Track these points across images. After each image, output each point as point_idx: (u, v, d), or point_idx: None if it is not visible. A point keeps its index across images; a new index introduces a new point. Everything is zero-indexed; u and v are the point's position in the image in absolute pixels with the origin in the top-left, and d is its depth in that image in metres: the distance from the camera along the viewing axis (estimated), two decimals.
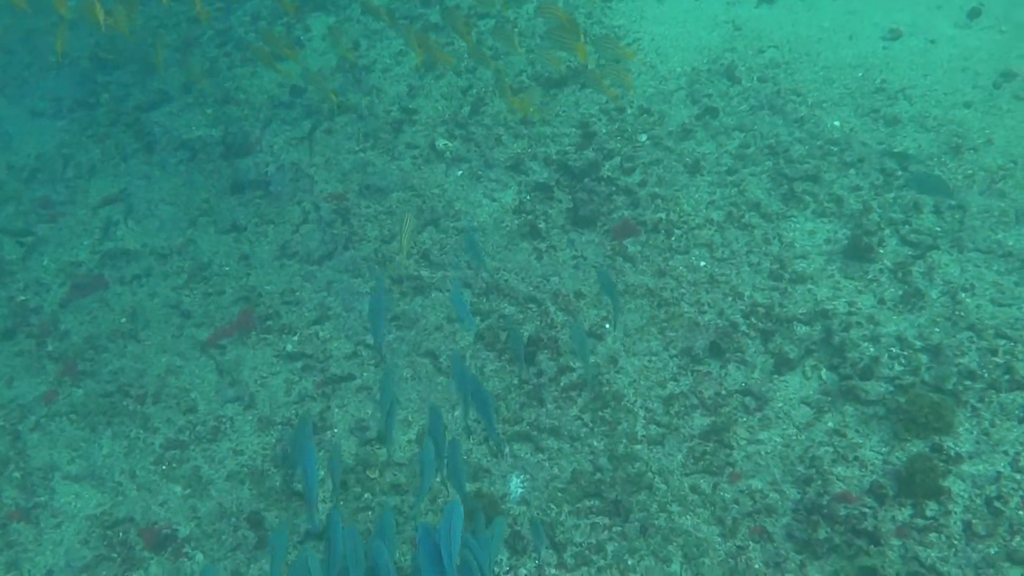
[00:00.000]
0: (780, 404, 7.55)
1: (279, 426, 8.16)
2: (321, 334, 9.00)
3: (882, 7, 11.25)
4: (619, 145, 10.17)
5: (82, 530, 7.65)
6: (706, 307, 8.36)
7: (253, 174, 11.14)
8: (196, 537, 7.39)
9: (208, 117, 12.28)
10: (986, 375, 7.32)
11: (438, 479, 6.54)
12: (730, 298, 8.39)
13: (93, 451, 8.24)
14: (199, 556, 7.27)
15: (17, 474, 8.18)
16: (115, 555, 7.43)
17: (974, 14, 10.80)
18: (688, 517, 6.91)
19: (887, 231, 8.64)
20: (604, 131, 10.40)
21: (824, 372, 7.69)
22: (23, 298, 10.06)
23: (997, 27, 10.76)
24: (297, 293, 9.49)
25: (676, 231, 9.12)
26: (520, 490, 7.36)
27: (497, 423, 6.70)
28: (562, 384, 7.98)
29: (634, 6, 12.20)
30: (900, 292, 8.10)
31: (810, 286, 8.33)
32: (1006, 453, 6.85)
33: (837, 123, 9.82)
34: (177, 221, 10.80)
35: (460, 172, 10.52)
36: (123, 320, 9.56)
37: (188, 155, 11.73)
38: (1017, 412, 7.07)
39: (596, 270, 8.90)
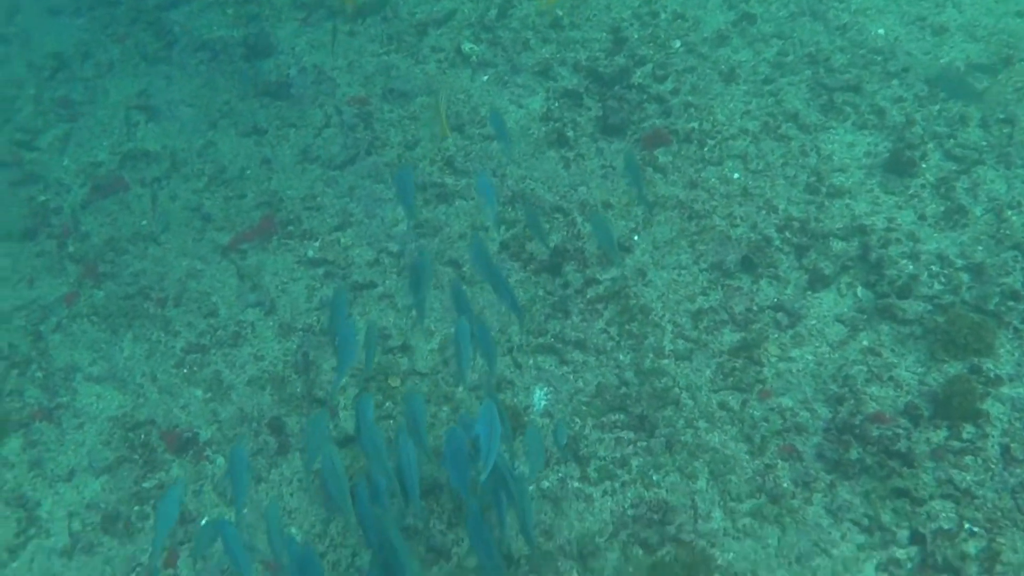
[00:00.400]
0: (813, 321, 7.34)
1: (300, 332, 8.04)
2: (343, 240, 8.83)
3: None
4: (651, 52, 9.81)
5: (104, 431, 7.61)
6: (739, 220, 8.11)
7: (275, 76, 10.87)
8: (217, 441, 7.34)
9: (229, 17, 11.96)
10: None
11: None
12: (764, 211, 8.13)
13: (114, 353, 8.17)
14: (220, 460, 7.22)
15: (40, 374, 8.13)
16: (136, 457, 7.40)
17: None
18: (716, 434, 6.77)
19: (930, 145, 8.31)
20: (636, 36, 10.04)
21: (860, 290, 7.46)
22: (44, 198, 9.92)
23: None
24: (318, 199, 9.30)
25: (709, 141, 8.82)
26: (544, 402, 7.24)
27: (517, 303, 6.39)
28: (588, 296, 7.80)
29: None
30: (942, 208, 7.81)
31: (848, 201, 8.05)
32: None
33: (881, 31, 9.41)
34: (198, 123, 10.57)
35: (486, 77, 10.21)
36: (144, 222, 9.41)
37: (209, 56, 11.45)
38: None
39: (623, 153, 8.71)
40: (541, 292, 7.90)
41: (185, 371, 7.88)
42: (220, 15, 12.06)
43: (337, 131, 9.98)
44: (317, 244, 8.84)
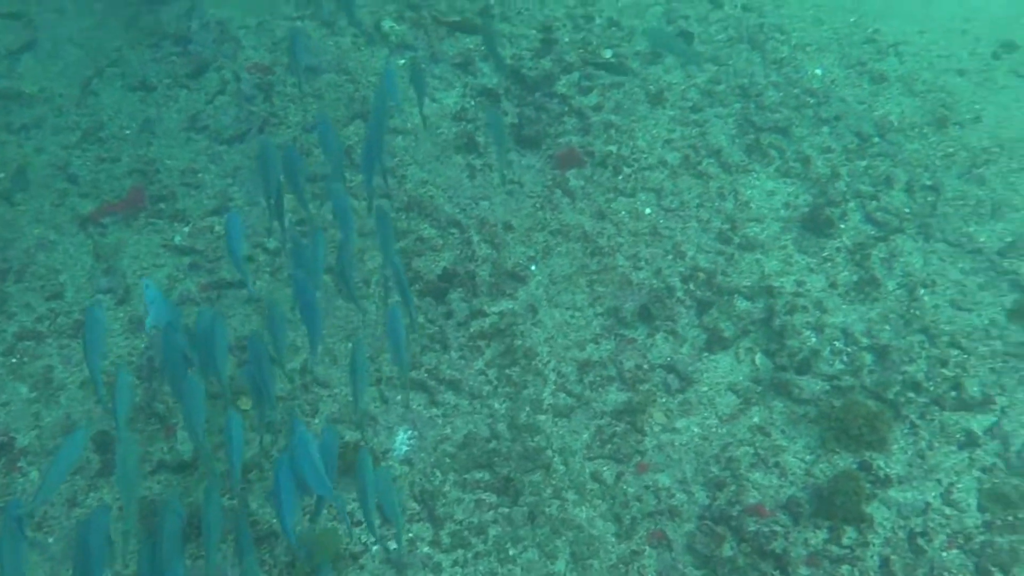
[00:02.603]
0: (705, 388, 6.84)
1: (153, 330, 7.27)
2: (217, 228, 8.04)
3: None
4: (580, 60, 9.14)
5: None
6: (643, 263, 7.54)
7: (173, 27, 9.93)
8: (35, 451, 6.55)
9: None
10: (932, 388, 6.64)
11: None
12: (671, 256, 7.58)
13: None
14: (34, 474, 6.45)
15: None
16: None
17: None
18: (584, 508, 6.23)
19: (852, 204, 7.84)
20: (567, 40, 9.35)
21: (759, 357, 6.97)
22: None
23: None
24: (199, 175, 8.48)
25: (625, 169, 8.22)
26: (405, 447, 6.61)
27: None
28: (472, 330, 7.17)
29: None
30: (855, 277, 7.35)
31: (759, 255, 7.54)
32: (939, 482, 6.23)
33: (819, 71, 8.89)
34: (83, 68, 9.61)
35: (403, 61, 9.44)
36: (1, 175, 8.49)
37: None
38: (958, 435, 6.43)
39: (485, 111, 8.39)
40: (421, 319, 7.24)
41: (13, 361, 7.05)
42: None
43: (232, 100, 9.13)
44: (187, 229, 8.04)
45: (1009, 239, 7.47)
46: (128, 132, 8.88)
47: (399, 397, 6.81)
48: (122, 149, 8.67)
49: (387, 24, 9.67)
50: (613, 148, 8.35)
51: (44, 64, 9.65)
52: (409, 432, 6.66)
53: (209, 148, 8.72)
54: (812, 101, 8.60)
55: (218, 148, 8.72)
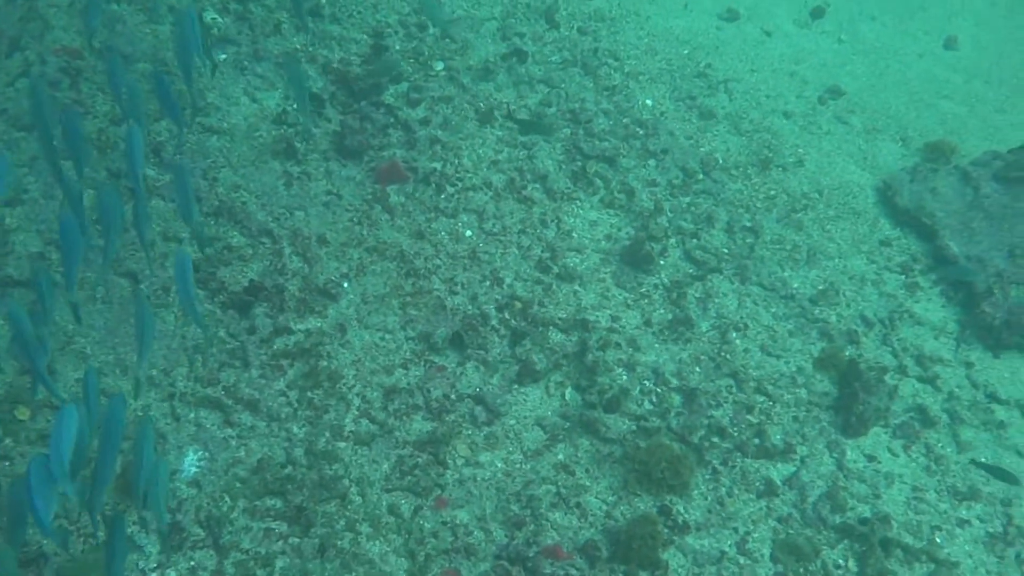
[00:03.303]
0: (513, 422, 6.67)
1: None
2: (8, 221, 7.39)
3: None
4: (410, 69, 8.86)
5: None
6: (459, 288, 7.33)
7: None
8: None
9: None
10: (736, 434, 6.66)
11: None
12: (488, 283, 7.39)
13: None
14: None
15: None
16: None
17: (817, 14, 10.06)
18: (377, 543, 5.95)
19: (673, 240, 7.83)
20: (398, 48, 9.05)
21: (569, 392, 6.86)
22: None
23: (837, 34, 10.06)
24: None
25: (449, 188, 7.99)
26: (194, 469, 6.19)
27: None
28: (275, 348, 6.80)
29: None
30: (670, 316, 7.33)
31: (577, 287, 7.44)
32: (736, 530, 6.23)
33: (650, 102, 8.88)
34: None
35: (224, 56, 8.94)
36: None
37: None
38: (758, 484, 6.46)
39: (283, 63, 8.12)
40: (223, 332, 6.82)
41: None
42: None
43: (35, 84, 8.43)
44: None
45: (821, 287, 7.59)
46: None
47: (192, 414, 6.38)
48: None
49: (209, 16, 9.16)
50: (438, 165, 8.11)
51: None
52: (200, 453, 6.24)
53: (6, 134, 8.03)
54: (641, 132, 8.57)
55: (16, 135, 8.05)
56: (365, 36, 9.14)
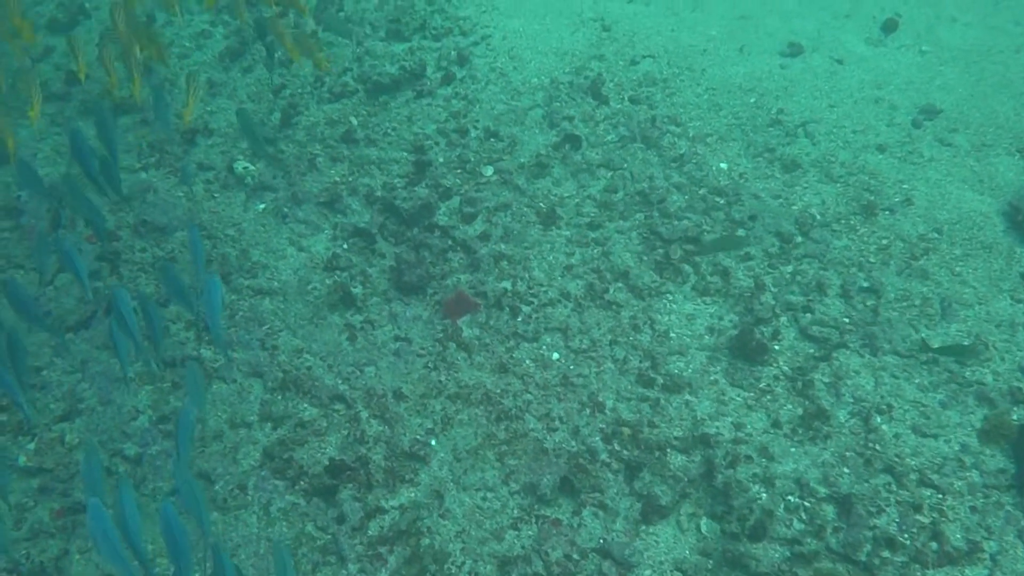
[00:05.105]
0: (648, 572, 5.78)
1: None
2: (68, 438, 6.84)
3: (779, 11, 9.40)
4: (459, 181, 8.15)
5: None
6: (557, 423, 6.50)
7: (1, 198, 8.75)
8: None
9: None
10: (908, 542, 5.67)
11: None
12: (588, 411, 6.55)
13: None
14: None
15: None
16: None
17: (889, 27, 9.04)
18: None
19: (784, 319, 6.90)
20: (441, 159, 8.36)
21: (705, 524, 5.96)
22: None
23: (917, 46, 9.03)
24: (44, 372, 7.28)
25: (524, 308, 7.21)
26: None
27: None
28: (370, 534, 6.05)
29: None
30: (799, 411, 6.38)
31: (688, 396, 6.55)
32: None
33: (724, 165, 7.99)
34: None
35: (263, 205, 8.36)
36: None
37: None
38: None
39: (237, 112, 7.56)
40: (310, 528, 6.10)
41: None
42: None
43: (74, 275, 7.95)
44: (32, 445, 6.84)
45: (966, 342, 6.58)
46: None
47: None
48: None
49: (240, 165, 8.59)
50: (507, 284, 7.35)
51: None
52: None
53: (52, 338, 7.54)
54: (722, 201, 7.70)
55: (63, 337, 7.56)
56: (405, 153, 8.48)
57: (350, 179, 8.33)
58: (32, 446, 6.91)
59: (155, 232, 8.25)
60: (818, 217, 7.47)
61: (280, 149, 8.69)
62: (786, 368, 6.61)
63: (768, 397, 6.48)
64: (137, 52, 7.01)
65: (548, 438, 6.42)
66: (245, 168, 8.58)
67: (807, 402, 6.40)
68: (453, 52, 9.22)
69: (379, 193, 8.13)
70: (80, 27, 10.56)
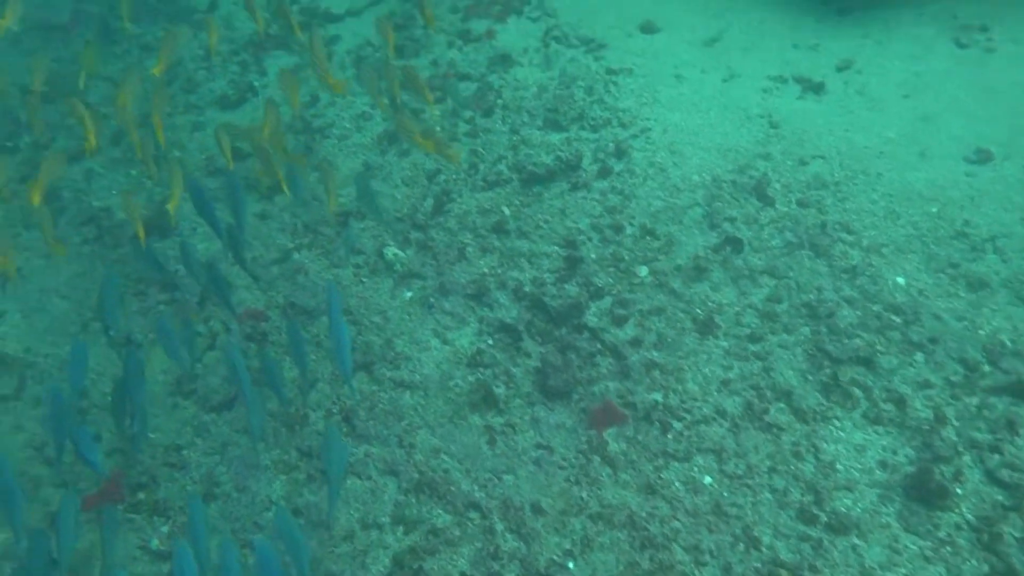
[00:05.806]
0: None
1: None
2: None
3: (965, 113, 8.74)
4: (611, 280, 7.76)
5: None
6: (707, 557, 5.96)
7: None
8: None
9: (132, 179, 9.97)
10: None
11: None
12: (741, 545, 5.99)
13: None
14: None
15: None
16: None
17: None
18: None
19: (967, 458, 6.21)
20: (594, 256, 7.99)
21: None
22: None
23: None
24: (184, 452, 7.19)
25: (676, 424, 6.72)
26: None
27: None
28: None
29: (645, 83, 9.75)
30: (985, 567, 5.67)
31: (856, 540, 5.92)
32: None
33: (901, 280, 7.36)
34: (68, 323, 8.49)
35: (410, 294, 8.15)
36: None
37: (95, 232, 9.40)
38: None
39: (356, 178, 7.93)
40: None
41: None
42: (123, 177, 10.04)
43: (221, 354, 7.90)
44: (167, 528, 6.73)
45: None
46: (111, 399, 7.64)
47: None
48: (104, 422, 7.44)
49: (390, 251, 8.43)
50: (659, 396, 6.87)
51: (30, 320, 8.56)
52: None
53: (195, 418, 7.47)
54: (898, 320, 7.07)
55: (205, 417, 7.46)
56: (557, 247, 8.15)
57: (499, 271, 8.05)
58: (166, 529, 6.79)
59: (301, 315, 8.13)
60: (1009, 344, 6.76)
61: (431, 237, 8.49)
62: (970, 516, 5.91)
63: (948, 549, 5.78)
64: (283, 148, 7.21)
65: (696, 573, 5.87)
66: (395, 255, 8.41)
67: (995, 558, 5.68)
68: (611, 144, 8.91)
69: (528, 288, 7.81)
70: (247, 104, 10.73)
